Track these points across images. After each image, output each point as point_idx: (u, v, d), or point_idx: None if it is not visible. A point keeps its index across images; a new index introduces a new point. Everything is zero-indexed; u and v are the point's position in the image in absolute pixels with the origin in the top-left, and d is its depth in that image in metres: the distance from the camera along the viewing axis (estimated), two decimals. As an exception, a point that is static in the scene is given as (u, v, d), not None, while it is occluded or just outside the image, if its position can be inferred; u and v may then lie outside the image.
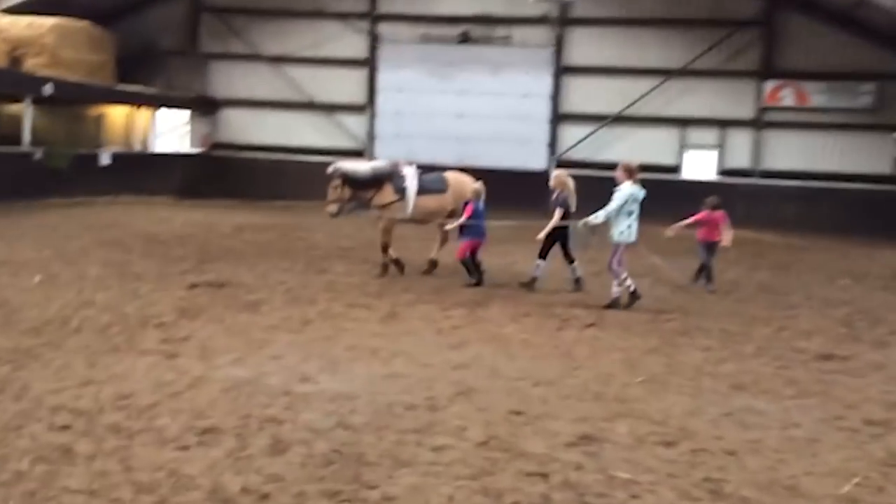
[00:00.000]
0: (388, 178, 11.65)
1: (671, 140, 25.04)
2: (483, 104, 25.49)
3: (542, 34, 25.23)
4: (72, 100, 21.69)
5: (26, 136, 18.54)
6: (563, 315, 9.50)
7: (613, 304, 9.94)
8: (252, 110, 26.57)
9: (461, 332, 8.37)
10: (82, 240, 13.75)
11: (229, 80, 26.63)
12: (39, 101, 19.43)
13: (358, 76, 26.19)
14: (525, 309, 9.75)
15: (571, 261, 11.20)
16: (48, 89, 18.66)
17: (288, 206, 22.59)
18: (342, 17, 25.81)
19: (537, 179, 24.59)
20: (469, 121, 25.57)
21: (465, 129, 25.49)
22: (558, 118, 25.46)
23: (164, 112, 26.34)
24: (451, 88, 25.72)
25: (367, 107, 26.18)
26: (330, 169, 11.60)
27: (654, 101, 24.82)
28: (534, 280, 11.09)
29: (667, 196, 23.65)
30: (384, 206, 11.61)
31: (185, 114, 26.80)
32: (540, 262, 11.11)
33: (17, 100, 19.95)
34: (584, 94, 25.27)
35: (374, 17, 25.89)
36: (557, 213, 10.92)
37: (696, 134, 24.97)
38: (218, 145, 26.63)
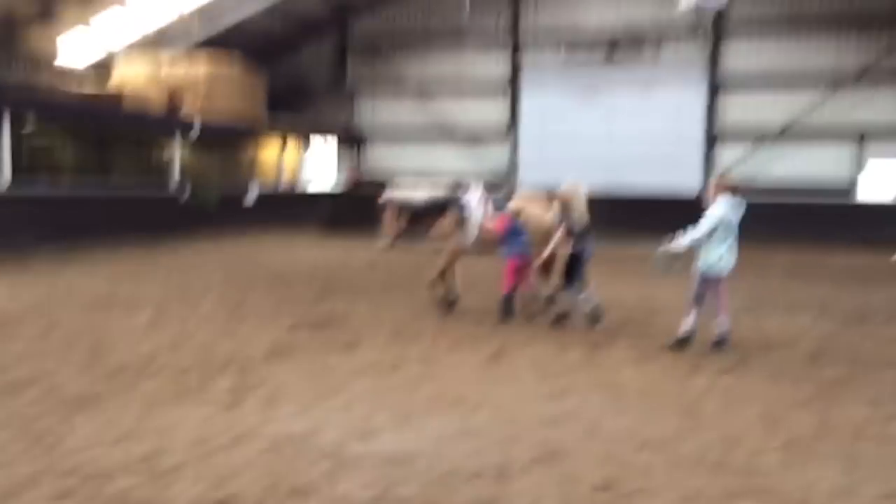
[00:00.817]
0: (448, 204, 10.67)
1: (847, 156, 22.51)
2: (632, 126, 24.13)
3: (694, 48, 23.56)
4: (219, 140, 22.40)
5: (174, 176, 19.18)
6: (697, 359, 8.17)
7: (682, 343, 8.44)
8: (396, 142, 26.61)
9: (569, 378, 7.28)
10: (210, 277, 13.78)
11: (374, 113, 26.89)
12: (187, 143, 20.18)
13: (500, 103, 25.58)
14: (655, 351, 8.49)
15: (573, 289, 9.76)
16: (196, 130, 19.27)
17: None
18: (484, 44, 25.36)
19: (691, 204, 22.93)
20: (617, 144, 24.24)
21: (614, 152, 24.17)
22: (714, 137, 23.61)
23: (312, 148, 26.88)
24: (598, 111, 24.53)
25: (509, 134, 25.47)
26: (382, 198, 10.85)
27: (825, 112, 22.46)
28: (565, 315, 9.85)
29: (843, 218, 21.36)
30: (444, 236, 10.63)
31: (332, 148, 27.20)
32: (568, 294, 9.82)
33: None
34: (743, 110, 23.34)
35: (515, 42, 25.26)
36: (558, 235, 9.71)
37: (877, 147, 22.30)
38: (363, 179, 26.79)
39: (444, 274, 10.70)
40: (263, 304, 11.19)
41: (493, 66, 25.49)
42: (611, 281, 13.06)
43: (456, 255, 10.68)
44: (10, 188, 15.30)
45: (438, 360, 7.91)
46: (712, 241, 8.19)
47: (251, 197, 21.81)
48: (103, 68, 22.94)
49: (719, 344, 8.45)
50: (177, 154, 19.36)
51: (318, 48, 27.24)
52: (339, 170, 27.26)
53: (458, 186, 10.86)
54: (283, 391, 6.64)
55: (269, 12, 24.24)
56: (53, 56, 21.89)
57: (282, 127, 24.26)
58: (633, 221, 22.30)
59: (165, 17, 22.89)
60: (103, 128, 17.96)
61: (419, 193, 10.81)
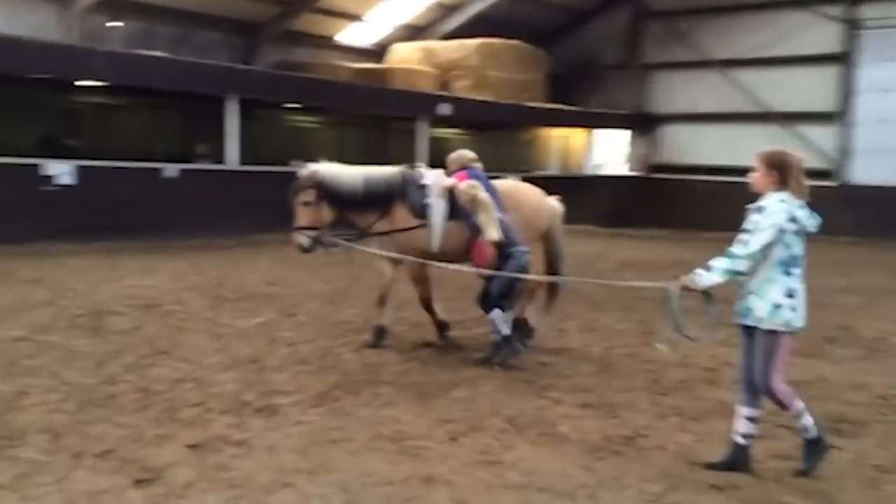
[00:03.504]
0: (399, 191, 7.26)
1: None
2: None
3: None
4: (488, 121, 20.82)
5: (420, 158, 17.94)
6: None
7: (738, 458, 4.67)
8: (695, 125, 22.91)
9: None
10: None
11: (671, 92, 23.44)
12: (437, 123, 18.91)
13: (827, 76, 20.69)
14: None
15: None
16: (445, 109, 17.87)
17: (722, 239, 18.35)
18: (807, 3, 20.59)
19: None
20: None
21: None
22: None
23: (599, 130, 24.29)
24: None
25: (839, 114, 20.45)
26: (299, 173, 7.30)
27: None
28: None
29: None
30: (392, 236, 7.21)
31: (622, 131, 24.33)
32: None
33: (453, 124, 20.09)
34: None
35: (852, -2, 20.15)
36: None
37: None
38: (655, 167, 23.52)
39: (428, 300, 7.59)
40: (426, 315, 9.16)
41: (820, 30, 20.58)
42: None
43: (422, 274, 7.45)
44: (242, 167, 15.08)
45: (503, 445, 5.26)
46: (770, 265, 4.49)
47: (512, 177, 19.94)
48: (382, 47, 22.64)
49: (814, 458, 4.68)
50: (423, 134, 18.07)
51: (609, 20, 24.42)
52: (629, 155, 24.29)
53: (411, 170, 7.55)
54: (236, 466, 4.57)
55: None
56: (331, 37, 22.03)
57: (565, 108, 21.99)
58: None
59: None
60: (355, 107, 17.27)
61: (353, 173, 7.33)
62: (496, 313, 6.86)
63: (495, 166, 21.71)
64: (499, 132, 23.19)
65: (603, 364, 7.19)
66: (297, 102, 16.49)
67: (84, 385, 5.93)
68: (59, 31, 17.56)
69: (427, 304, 7.56)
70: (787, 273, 4.50)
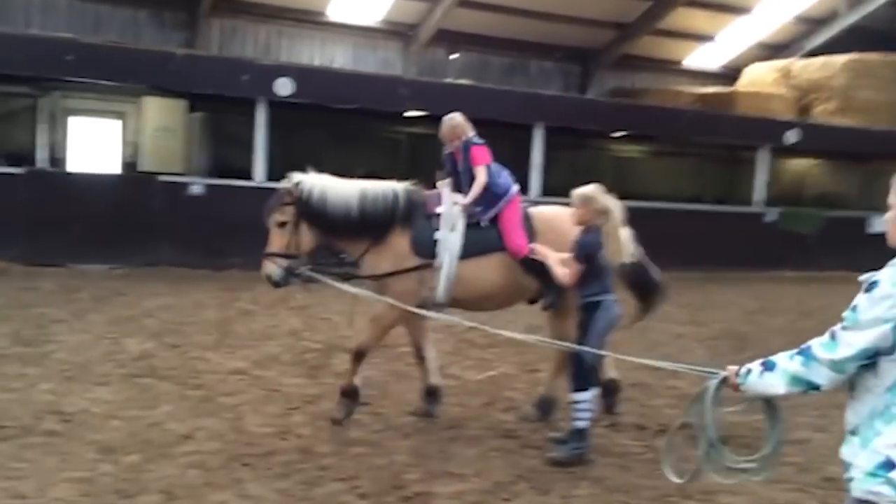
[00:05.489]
0: (402, 214, 5.61)
1: None
2: None
3: None
4: (836, 150, 17.48)
5: (759, 193, 15.49)
6: None
7: None
8: None
9: None
10: (699, 327, 10.25)
11: None
12: (786, 152, 16.22)
13: None
14: None
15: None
16: (791, 137, 15.24)
17: None
18: None
19: None
20: None
21: None
22: None
23: None
24: None
25: None
26: (279, 188, 5.55)
27: None
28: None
29: None
30: (386, 276, 5.62)
31: None
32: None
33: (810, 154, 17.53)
34: None
35: None
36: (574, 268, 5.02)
37: None
38: None
39: (362, 352, 5.77)
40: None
41: None
42: None
43: (390, 323, 5.82)
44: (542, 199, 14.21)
45: None
46: (879, 391, 2.28)
47: (876, 223, 16.44)
48: (734, 70, 20.37)
49: None
50: (765, 164, 15.58)
51: None
52: None
53: (423, 190, 5.81)
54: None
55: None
56: (675, 60, 20.37)
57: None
58: None
59: (803, 6, 19.01)
60: (679, 135, 15.53)
61: (344, 188, 5.57)
62: (581, 396, 5.15)
63: (863, 204, 18.41)
64: (872, 164, 19.47)
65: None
66: (611, 130, 15.27)
67: (251, 435, 5.40)
68: (401, 65, 18.51)
69: (362, 356, 5.80)
70: None
